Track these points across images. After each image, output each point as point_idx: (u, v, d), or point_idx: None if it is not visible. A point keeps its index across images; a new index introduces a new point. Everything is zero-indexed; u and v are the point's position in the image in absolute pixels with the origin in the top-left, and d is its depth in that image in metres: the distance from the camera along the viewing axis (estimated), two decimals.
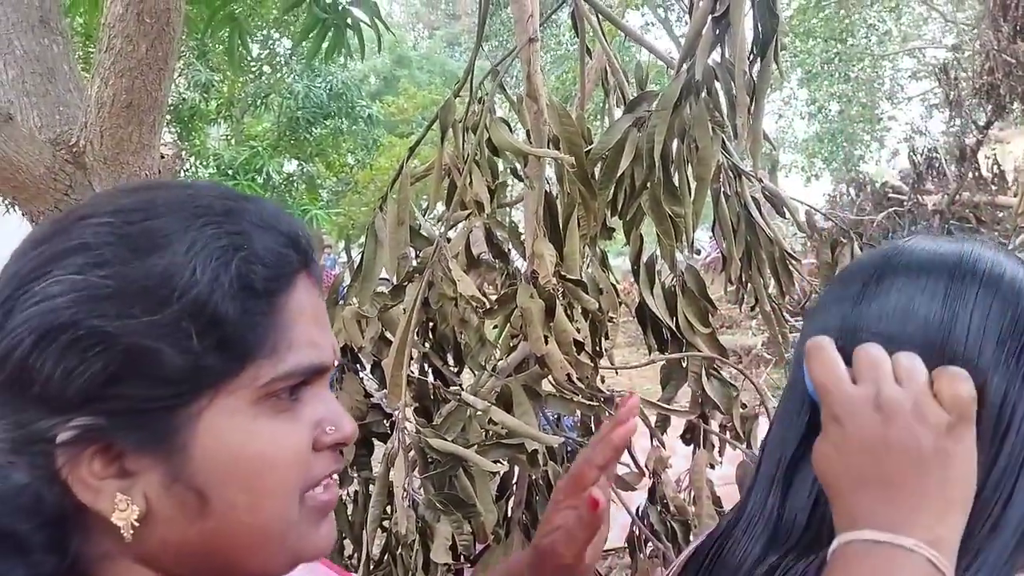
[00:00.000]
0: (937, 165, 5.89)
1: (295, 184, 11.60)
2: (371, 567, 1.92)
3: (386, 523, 1.80)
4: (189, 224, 0.45)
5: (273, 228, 0.49)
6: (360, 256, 1.97)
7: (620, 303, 2.28)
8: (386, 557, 1.85)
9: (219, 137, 11.80)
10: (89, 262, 0.43)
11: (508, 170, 1.81)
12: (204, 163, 10.17)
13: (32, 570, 0.42)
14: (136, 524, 0.44)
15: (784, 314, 2.47)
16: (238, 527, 0.46)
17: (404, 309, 1.46)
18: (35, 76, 1.69)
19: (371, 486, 1.89)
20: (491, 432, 1.64)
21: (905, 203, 6.29)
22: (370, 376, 1.96)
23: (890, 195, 7.04)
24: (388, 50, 16.02)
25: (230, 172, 10.29)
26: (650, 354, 2.09)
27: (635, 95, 1.90)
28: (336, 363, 0.53)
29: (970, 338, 0.47)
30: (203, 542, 0.46)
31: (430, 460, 1.35)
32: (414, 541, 1.25)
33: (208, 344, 0.43)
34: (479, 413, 1.55)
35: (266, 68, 10.48)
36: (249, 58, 10.08)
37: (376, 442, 1.94)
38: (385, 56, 16.18)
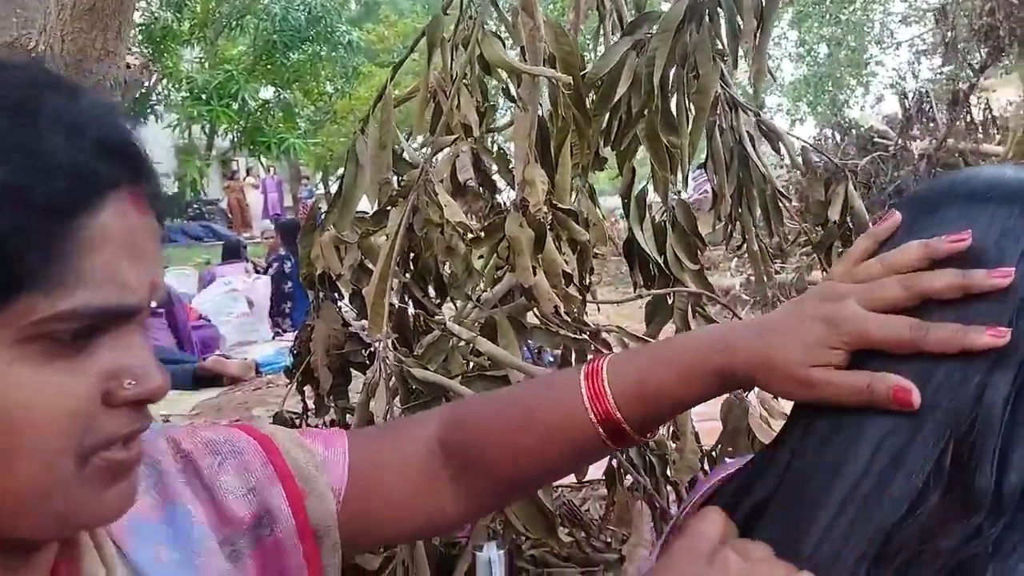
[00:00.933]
0: (927, 110, 5.85)
1: (271, 111, 11.30)
2: None
3: None
4: None
5: (82, 133, 0.41)
6: (339, 180, 1.89)
7: (608, 239, 2.24)
8: None
9: (192, 59, 11.40)
10: None
11: (500, 91, 1.73)
12: (176, 86, 9.83)
13: None
14: None
15: (768, 254, 2.45)
16: None
17: (387, 235, 1.40)
18: None
19: (347, 416, 1.86)
20: (473, 364, 1.61)
21: (891, 148, 6.26)
22: (348, 305, 1.91)
23: (875, 140, 7.01)
24: None
25: (203, 96, 9.98)
26: (635, 291, 2.06)
27: (633, 18, 1.81)
28: (152, 305, 0.44)
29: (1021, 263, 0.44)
30: None
31: (412, 390, 1.31)
32: None
33: None
34: (461, 344, 1.51)
35: None
36: None
37: (354, 372, 1.91)
38: None
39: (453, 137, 1.70)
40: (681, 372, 0.54)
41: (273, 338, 5.83)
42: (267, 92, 11.55)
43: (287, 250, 6.37)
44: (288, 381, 1.91)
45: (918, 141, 6.32)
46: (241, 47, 11.35)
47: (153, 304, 0.44)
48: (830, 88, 17.32)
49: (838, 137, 8.56)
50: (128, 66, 1.62)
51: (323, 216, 1.94)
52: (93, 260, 0.40)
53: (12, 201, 0.37)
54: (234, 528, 0.55)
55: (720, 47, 1.77)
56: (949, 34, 5.08)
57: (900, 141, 5.88)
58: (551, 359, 2.18)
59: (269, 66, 10.76)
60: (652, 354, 0.60)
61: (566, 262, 1.62)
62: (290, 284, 6.13)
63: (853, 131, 8.20)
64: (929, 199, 0.51)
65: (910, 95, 5.98)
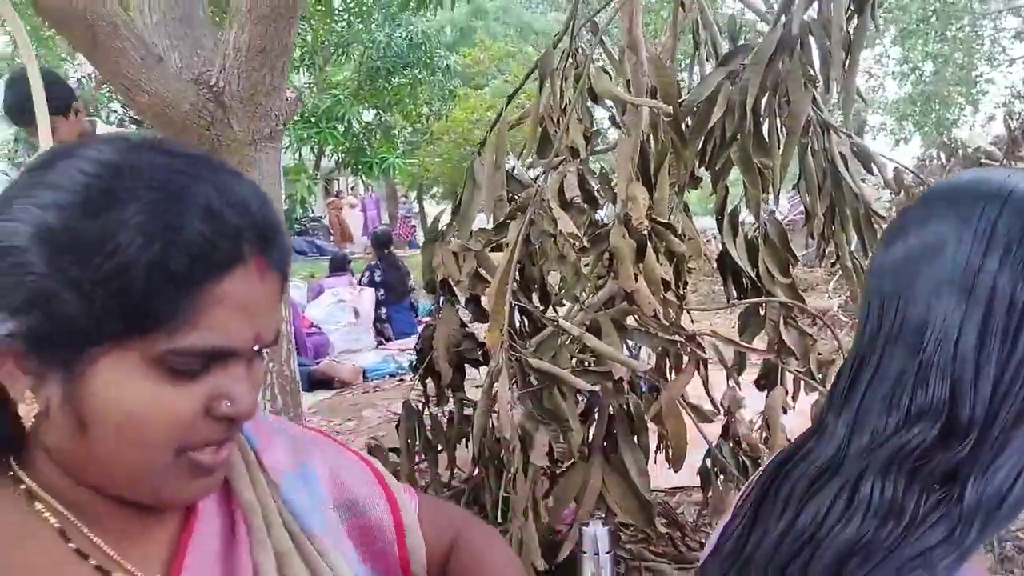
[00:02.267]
0: None
1: (373, 133, 11.83)
2: (467, 478, 2.10)
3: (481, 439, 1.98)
4: (140, 196, 0.50)
5: (219, 218, 0.52)
6: (458, 197, 2.12)
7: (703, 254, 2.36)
8: (478, 470, 2.03)
9: (302, 85, 12.09)
10: (54, 202, 0.50)
11: (607, 119, 1.91)
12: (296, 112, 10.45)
13: None
14: (34, 419, 0.54)
15: (863, 273, 2.50)
16: (106, 457, 0.53)
17: (507, 243, 1.60)
18: (175, 21, 1.86)
19: (465, 406, 2.07)
20: (579, 360, 1.78)
21: None
22: (464, 308, 2.12)
23: (982, 161, 6.77)
24: (465, 1, 15.98)
25: (313, 120, 10.57)
26: (727, 303, 2.18)
27: (727, 49, 1.96)
28: (257, 348, 0.56)
29: (973, 248, 0.53)
30: (80, 457, 0.54)
31: (527, 378, 1.49)
32: (515, 447, 1.40)
33: (111, 307, 0.49)
34: (569, 343, 1.69)
35: (352, 18, 10.63)
36: (336, 6, 10.28)
37: (468, 368, 2.12)
38: (462, 6, 16.16)
39: (561, 159, 1.89)
40: None
41: (377, 346, 6.16)
42: (369, 115, 12.10)
43: (378, 260, 6.71)
44: (401, 381, 2.14)
45: None
46: (347, 72, 11.96)
47: (256, 348, 0.56)
48: (936, 107, 16.62)
49: (943, 157, 8.28)
50: (286, 98, 1.89)
51: (443, 229, 2.17)
52: (207, 315, 0.52)
53: (152, 270, 0.50)
54: (345, 496, 0.71)
55: (812, 73, 1.89)
56: None
57: (1006, 162, 5.69)
58: (644, 358, 2.32)
59: (372, 90, 11.28)
60: None
61: (664, 272, 1.78)
62: (382, 292, 6.47)
63: (959, 151, 7.92)
64: (922, 198, 0.60)
65: (1015, 115, 5.79)
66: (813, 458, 0.57)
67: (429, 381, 2.02)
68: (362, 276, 6.78)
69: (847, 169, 2.13)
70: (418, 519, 0.76)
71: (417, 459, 1.93)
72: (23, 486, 0.56)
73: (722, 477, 1.93)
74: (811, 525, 0.54)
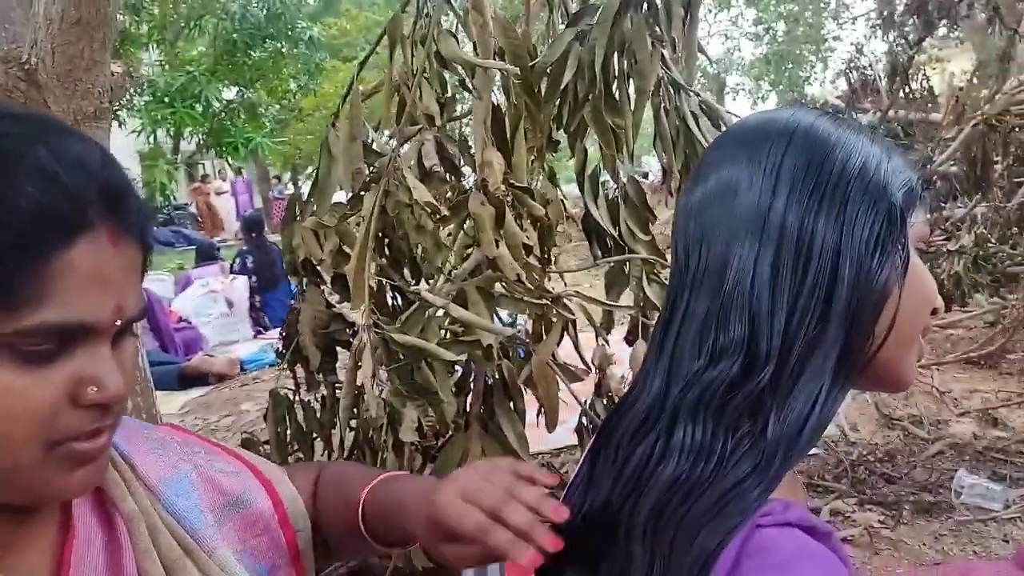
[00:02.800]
0: (872, 83, 6.08)
1: (236, 112, 11.24)
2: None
3: (353, 422, 1.93)
4: None
5: (55, 180, 0.47)
6: (315, 172, 2.03)
7: (567, 216, 2.39)
8: (355, 453, 1.99)
9: (152, 63, 11.30)
10: None
11: (458, 83, 1.87)
12: (139, 90, 9.77)
13: None
14: None
15: None
16: None
17: (363, 216, 1.55)
18: None
19: (337, 390, 2.01)
20: (448, 331, 1.76)
21: None
22: (330, 288, 2.05)
23: (793, 106, 7.19)
24: None
25: (167, 99, 9.91)
26: (594, 262, 2.22)
27: (577, 9, 1.97)
28: (120, 324, 0.51)
29: (763, 186, 0.55)
30: None
31: (394, 354, 1.46)
32: (383, 425, 1.37)
33: None
34: (438, 314, 1.67)
35: None
36: None
37: (340, 350, 2.06)
38: None
39: (418, 127, 1.85)
40: (404, 509, 0.67)
41: (255, 336, 5.92)
42: (230, 93, 11.49)
43: (248, 245, 6.44)
44: (283, 371, 2.05)
45: (869, 114, 6.56)
46: (201, 48, 11.28)
47: (119, 323, 0.51)
48: (790, 66, 17.61)
49: None
50: (112, 73, 1.74)
51: (301, 207, 2.08)
52: (57, 288, 0.46)
53: None
54: (223, 499, 0.67)
55: (659, 33, 1.93)
56: (886, 10, 5.30)
57: (848, 114, 6.11)
58: (521, 324, 2.34)
59: (231, 66, 10.69)
60: (401, 490, 0.71)
61: (527, 236, 1.78)
62: (254, 279, 6.22)
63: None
64: (716, 141, 0.63)
65: (856, 70, 6.22)
66: (637, 408, 0.58)
67: (299, 367, 1.95)
68: (233, 263, 6.49)
69: (698, 127, 2.21)
70: (288, 478, 0.73)
71: (290, 449, 1.87)
72: None
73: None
74: (636, 471, 0.56)
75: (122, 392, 0.51)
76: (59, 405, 0.48)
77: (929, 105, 6.19)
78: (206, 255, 6.96)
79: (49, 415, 0.48)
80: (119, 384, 0.51)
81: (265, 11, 10.23)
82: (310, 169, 16.19)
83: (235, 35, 10.25)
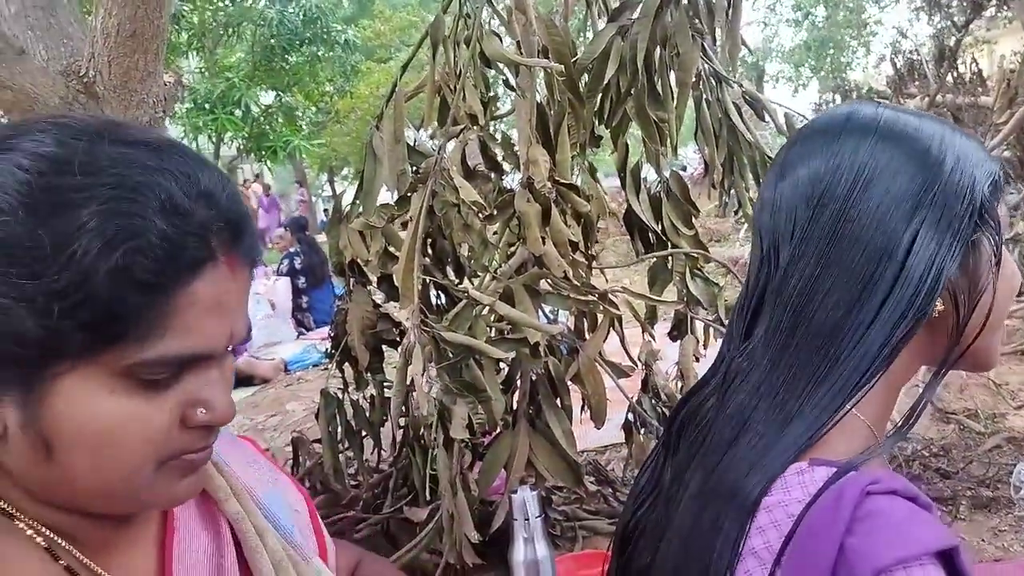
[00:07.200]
0: (919, 67, 5.93)
1: (274, 116, 11.41)
2: (392, 460, 2.08)
3: (402, 420, 1.96)
4: (93, 195, 0.45)
5: (183, 214, 0.47)
6: (360, 174, 2.06)
7: (609, 212, 2.39)
8: (404, 450, 2.01)
9: (192, 70, 11.53)
10: None
11: (501, 82, 1.88)
12: (180, 97, 9.98)
13: None
14: None
15: None
16: (80, 481, 0.49)
17: (411, 217, 1.57)
18: (36, 10, 1.72)
19: (386, 388, 2.04)
20: (495, 329, 1.77)
21: None
22: (377, 289, 2.08)
23: (876, 100, 7.03)
24: None
25: (207, 106, 10.10)
26: (637, 258, 2.22)
27: (617, 5, 1.96)
28: (230, 347, 0.53)
29: (845, 177, 0.57)
30: (49, 482, 0.49)
31: (443, 352, 1.48)
32: (434, 423, 1.39)
33: (72, 321, 0.44)
34: (484, 312, 1.68)
35: None
36: None
37: (387, 349, 2.08)
38: None
39: (461, 127, 1.86)
40: None
41: (297, 337, 6.01)
42: (268, 97, 11.66)
43: (297, 246, 6.55)
44: (326, 371, 2.09)
45: (916, 100, 6.40)
46: (239, 54, 11.45)
47: (230, 348, 0.52)
48: (831, 51, 17.25)
49: (839, 100, 8.61)
50: (165, 83, 1.79)
51: (347, 208, 2.11)
52: (179, 320, 0.47)
53: (114, 279, 0.45)
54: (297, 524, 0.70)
55: (699, 25, 1.92)
56: None
57: (895, 99, 5.96)
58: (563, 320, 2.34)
59: (268, 71, 10.83)
60: None
61: (572, 233, 1.78)
62: (302, 280, 6.32)
63: (854, 94, 8.25)
64: (800, 135, 0.63)
65: (900, 54, 6.07)
66: (707, 390, 0.63)
67: (347, 366, 1.98)
68: (280, 265, 6.59)
69: (741, 118, 2.18)
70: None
71: (341, 447, 1.90)
72: None
73: (644, 430, 1.97)
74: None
75: (230, 413, 0.52)
76: (172, 428, 0.50)
77: (979, 89, 6.02)
78: None
79: (162, 439, 0.50)
80: (226, 406, 0.52)
81: (301, 16, 10.35)
82: (345, 171, 16.36)
83: (272, 40, 10.39)
